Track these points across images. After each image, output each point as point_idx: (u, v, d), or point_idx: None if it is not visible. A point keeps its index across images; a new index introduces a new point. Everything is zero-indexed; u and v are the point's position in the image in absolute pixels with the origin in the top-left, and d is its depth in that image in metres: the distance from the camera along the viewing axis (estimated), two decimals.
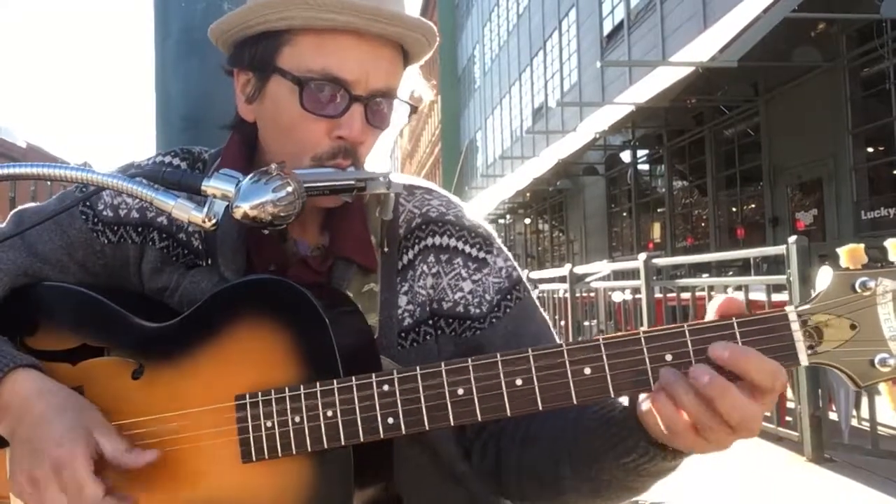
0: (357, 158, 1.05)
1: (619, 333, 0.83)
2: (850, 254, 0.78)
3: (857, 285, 0.78)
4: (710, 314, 0.82)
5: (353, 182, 1.01)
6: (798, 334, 0.79)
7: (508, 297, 1.12)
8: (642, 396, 0.87)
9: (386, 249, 1.10)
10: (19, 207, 1.18)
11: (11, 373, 0.98)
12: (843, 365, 0.79)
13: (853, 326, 0.78)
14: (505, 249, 1.17)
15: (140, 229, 1.14)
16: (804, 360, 0.79)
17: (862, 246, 0.78)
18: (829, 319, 0.79)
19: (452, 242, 1.12)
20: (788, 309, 0.80)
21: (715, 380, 0.78)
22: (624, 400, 0.92)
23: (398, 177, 1.15)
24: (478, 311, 1.11)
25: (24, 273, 1.12)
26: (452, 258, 1.11)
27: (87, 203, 1.15)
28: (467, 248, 1.12)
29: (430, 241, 1.12)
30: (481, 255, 1.13)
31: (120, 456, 0.94)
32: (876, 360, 0.77)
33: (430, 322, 1.10)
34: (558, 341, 1.15)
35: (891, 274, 0.77)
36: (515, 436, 1.06)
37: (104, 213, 1.15)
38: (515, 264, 1.17)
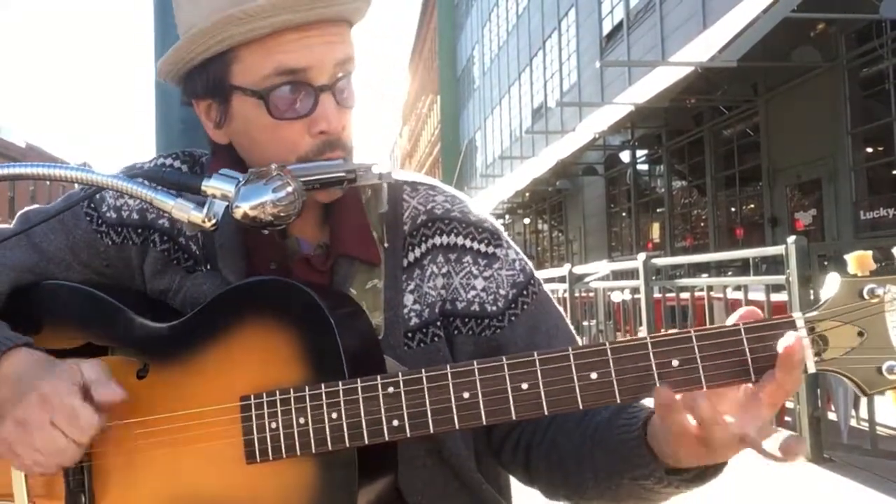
0: (343, 146, 1.03)
1: (626, 339, 0.83)
2: (858, 260, 0.78)
3: (865, 292, 0.78)
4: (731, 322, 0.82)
5: (342, 174, 1.00)
6: (806, 341, 0.78)
7: (524, 292, 1.12)
8: (655, 425, 0.88)
9: (387, 245, 1.09)
10: (25, 209, 1.18)
11: (5, 355, 0.97)
12: (850, 372, 0.78)
13: (861, 333, 0.78)
14: (513, 243, 1.16)
15: (140, 231, 1.14)
16: (811, 367, 0.79)
17: (870, 253, 0.77)
18: (836, 326, 0.78)
19: (460, 241, 1.11)
20: (796, 315, 0.79)
21: None
22: (643, 411, 0.93)
23: (401, 173, 1.14)
24: (494, 308, 1.10)
25: (30, 271, 1.12)
26: (462, 257, 1.10)
27: (92, 205, 1.15)
28: (475, 245, 1.11)
29: (437, 240, 1.11)
30: (490, 249, 1.12)
31: (99, 381, 0.93)
32: (884, 368, 0.77)
33: (440, 323, 1.09)
34: (573, 332, 1.15)
35: None
36: (542, 447, 1.06)
37: (108, 214, 1.14)
38: (525, 257, 1.16)
